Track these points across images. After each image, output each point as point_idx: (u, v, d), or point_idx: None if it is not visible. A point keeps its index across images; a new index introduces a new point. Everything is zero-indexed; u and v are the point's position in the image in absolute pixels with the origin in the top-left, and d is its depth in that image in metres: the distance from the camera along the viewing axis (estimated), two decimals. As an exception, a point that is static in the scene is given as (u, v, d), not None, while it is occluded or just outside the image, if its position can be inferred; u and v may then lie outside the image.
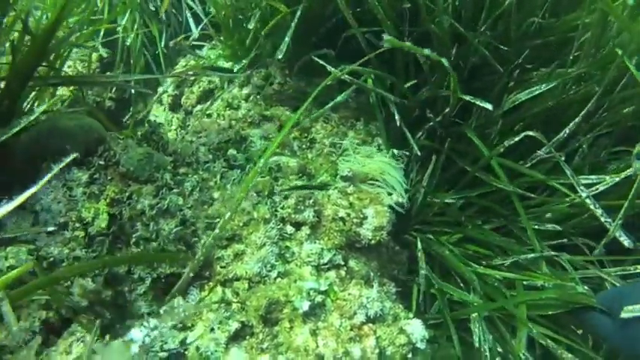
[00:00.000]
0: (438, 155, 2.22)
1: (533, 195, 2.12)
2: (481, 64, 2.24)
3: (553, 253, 1.99)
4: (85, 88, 3.02)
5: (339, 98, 1.95)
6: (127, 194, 1.66)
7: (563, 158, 1.95)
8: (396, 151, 2.13)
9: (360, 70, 2.07)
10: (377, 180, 1.98)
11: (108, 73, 3.26)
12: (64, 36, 1.95)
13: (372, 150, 2.10)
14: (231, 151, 1.93)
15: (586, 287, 1.88)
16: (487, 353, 1.79)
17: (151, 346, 1.47)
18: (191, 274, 1.60)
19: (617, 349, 1.65)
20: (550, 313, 1.83)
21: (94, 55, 3.18)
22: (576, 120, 1.99)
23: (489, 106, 1.86)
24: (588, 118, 2.07)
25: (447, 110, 2.12)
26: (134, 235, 1.58)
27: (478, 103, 1.91)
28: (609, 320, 1.59)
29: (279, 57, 2.19)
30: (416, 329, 1.65)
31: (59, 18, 1.61)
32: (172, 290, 1.54)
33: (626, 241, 1.74)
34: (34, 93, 1.98)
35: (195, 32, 3.05)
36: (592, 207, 1.83)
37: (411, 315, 1.73)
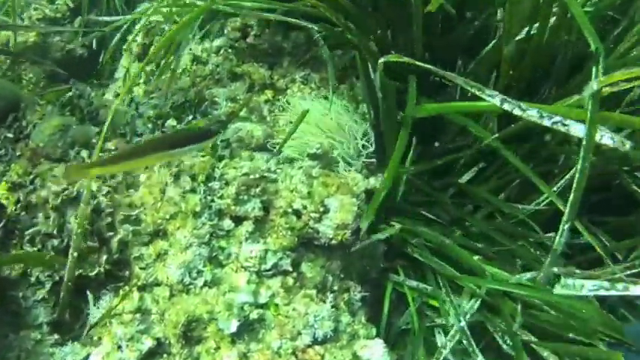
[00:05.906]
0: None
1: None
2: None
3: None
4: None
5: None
6: (30, 178, 1.37)
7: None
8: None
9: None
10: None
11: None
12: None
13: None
14: (170, 122, 1.61)
15: None
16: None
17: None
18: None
19: None
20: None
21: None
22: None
23: None
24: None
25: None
26: (30, 231, 1.30)
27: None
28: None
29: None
30: (375, 353, 1.35)
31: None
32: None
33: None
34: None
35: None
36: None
37: (374, 331, 1.43)
